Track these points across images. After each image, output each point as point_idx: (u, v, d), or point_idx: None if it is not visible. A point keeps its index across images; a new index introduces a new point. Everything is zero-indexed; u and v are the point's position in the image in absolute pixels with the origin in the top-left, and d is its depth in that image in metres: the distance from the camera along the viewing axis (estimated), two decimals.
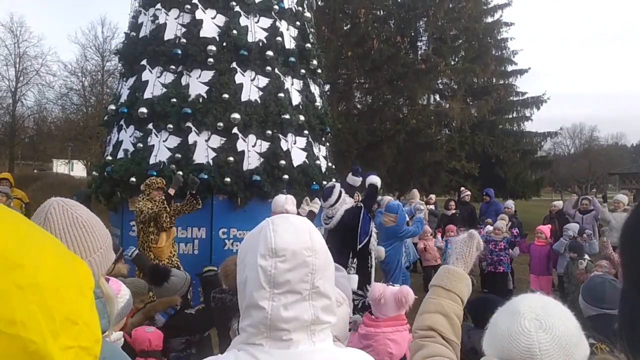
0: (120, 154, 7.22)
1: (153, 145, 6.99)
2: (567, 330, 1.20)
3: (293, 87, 7.86)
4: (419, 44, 22.35)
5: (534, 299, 1.28)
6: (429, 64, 19.63)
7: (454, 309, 1.70)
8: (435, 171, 19.77)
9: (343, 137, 17.07)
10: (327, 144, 8.79)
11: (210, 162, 6.92)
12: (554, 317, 1.21)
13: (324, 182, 7.33)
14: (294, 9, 8.19)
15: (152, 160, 6.90)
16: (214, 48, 7.18)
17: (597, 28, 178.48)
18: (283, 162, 7.19)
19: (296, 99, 7.83)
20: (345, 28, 20.04)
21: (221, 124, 6.99)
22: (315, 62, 8.27)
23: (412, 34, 21.74)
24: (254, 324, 1.12)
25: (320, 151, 8.25)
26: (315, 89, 8.40)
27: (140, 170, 6.78)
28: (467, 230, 1.93)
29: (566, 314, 1.25)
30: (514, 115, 22.94)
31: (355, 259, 5.63)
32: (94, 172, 8.31)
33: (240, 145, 7.13)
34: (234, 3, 7.48)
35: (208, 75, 7.23)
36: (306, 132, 7.74)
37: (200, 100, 7.08)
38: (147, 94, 7.19)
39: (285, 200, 5.52)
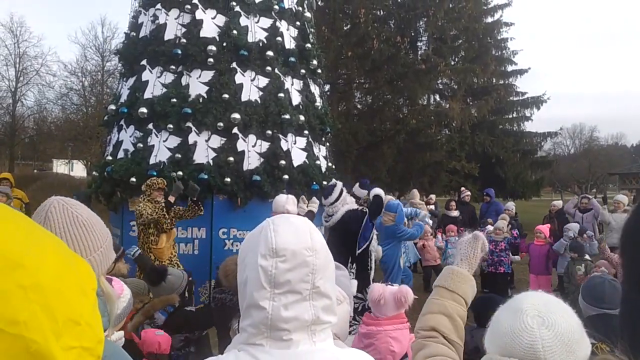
0: (121, 154, 7.21)
1: (153, 146, 6.99)
2: (570, 327, 1.20)
3: (293, 87, 7.85)
4: (419, 44, 22.37)
5: (536, 296, 1.29)
6: (429, 64, 19.63)
7: (457, 310, 1.70)
8: (435, 171, 19.77)
9: (343, 137, 17.05)
10: (327, 144, 8.78)
11: (211, 162, 6.92)
12: (556, 314, 1.21)
13: (324, 182, 7.33)
14: (294, 9, 8.18)
15: (152, 161, 6.89)
16: (214, 48, 7.18)
17: (597, 28, 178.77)
18: (283, 162, 7.19)
19: (296, 99, 7.82)
20: (345, 28, 20.02)
21: (221, 124, 6.99)
22: (315, 62, 8.26)
23: (412, 34, 21.74)
24: (254, 324, 1.12)
25: (320, 151, 8.25)
26: (315, 89, 8.40)
27: (141, 170, 6.78)
28: (468, 231, 1.93)
29: (568, 311, 1.25)
30: (514, 115, 22.97)
31: (354, 264, 5.63)
32: (94, 172, 8.29)
33: (241, 145, 7.13)
34: (234, 3, 7.48)
35: (208, 75, 7.23)
36: (306, 132, 7.73)
37: (201, 100, 7.08)
38: (147, 94, 7.19)
39: (286, 200, 5.53)
